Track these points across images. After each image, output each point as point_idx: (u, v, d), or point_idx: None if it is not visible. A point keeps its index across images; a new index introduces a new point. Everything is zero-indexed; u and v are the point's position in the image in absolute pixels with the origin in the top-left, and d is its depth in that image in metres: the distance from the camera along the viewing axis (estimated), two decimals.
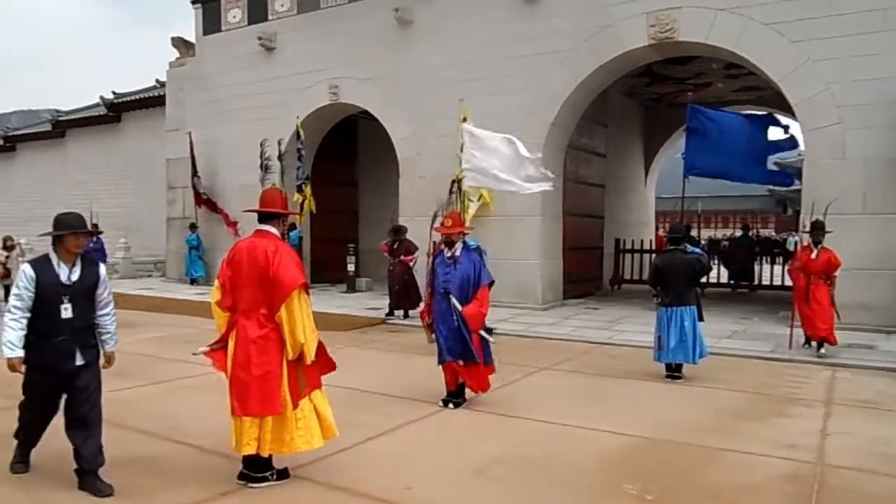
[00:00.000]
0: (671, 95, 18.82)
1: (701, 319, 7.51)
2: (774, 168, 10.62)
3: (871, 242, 10.25)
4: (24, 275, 4.03)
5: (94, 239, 16.68)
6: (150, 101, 22.31)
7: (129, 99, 23.48)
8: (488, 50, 13.57)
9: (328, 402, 4.36)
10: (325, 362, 4.43)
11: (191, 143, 17.99)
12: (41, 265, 4.09)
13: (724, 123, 10.00)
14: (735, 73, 15.75)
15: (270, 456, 4.25)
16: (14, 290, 4.02)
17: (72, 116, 25.81)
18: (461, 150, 10.39)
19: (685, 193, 10.09)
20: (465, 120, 10.69)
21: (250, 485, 4.22)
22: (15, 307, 4.02)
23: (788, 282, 14.63)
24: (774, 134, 10.44)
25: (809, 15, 10.77)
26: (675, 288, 7.40)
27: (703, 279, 14.80)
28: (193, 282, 18.19)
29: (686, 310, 7.34)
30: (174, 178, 19.32)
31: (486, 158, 10.61)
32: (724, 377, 7.55)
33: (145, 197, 22.22)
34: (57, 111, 26.69)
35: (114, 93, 24.02)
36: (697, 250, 8.02)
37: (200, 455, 4.83)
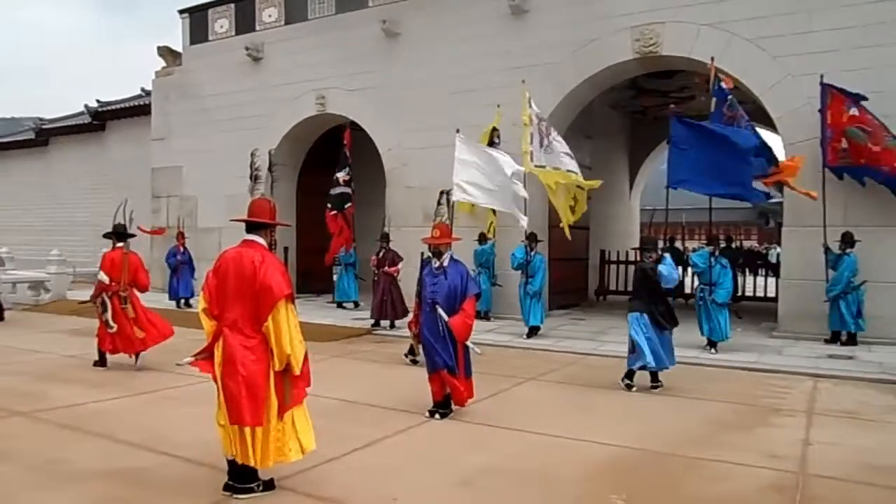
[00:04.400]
0: (656, 108, 18.99)
1: (670, 325, 7.49)
2: (761, 186, 10.44)
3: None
4: None
5: (182, 249, 15.56)
6: (135, 110, 22.17)
7: (113, 108, 23.31)
8: (475, 62, 13.66)
9: (308, 417, 4.35)
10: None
11: (348, 137, 14.93)
12: None
13: (709, 137, 9.97)
14: None
15: (256, 468, 4.23)
16: None
17: (56, 125, 25.60)
18: (530, 142, 10.53)
19: (669, 205, 10.12)
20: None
21: (236, 496, 4.19)
22: None
23: (771, 293, 14.80)
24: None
25: (791, 31, 10.95)
26: (637, 294, 7.54)
27: (687, 290, 14.80)
28: (341, 305, 15.04)
29: (642, 316, 7.40)
30: (159, 188, 19.21)
31: (477, 172, 10.70)
32: (709, 388, 7.60)
33: (129, 206, 22.00)
34: (41, 119, 26.46)
35: (98, 101, 23.84)
36: (668, 259, 7.86)
37: (187, 466, 4.80)
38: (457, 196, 10.59)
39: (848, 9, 10.56)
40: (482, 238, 13.16)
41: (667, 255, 7.77)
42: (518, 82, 12.86)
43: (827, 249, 10.26)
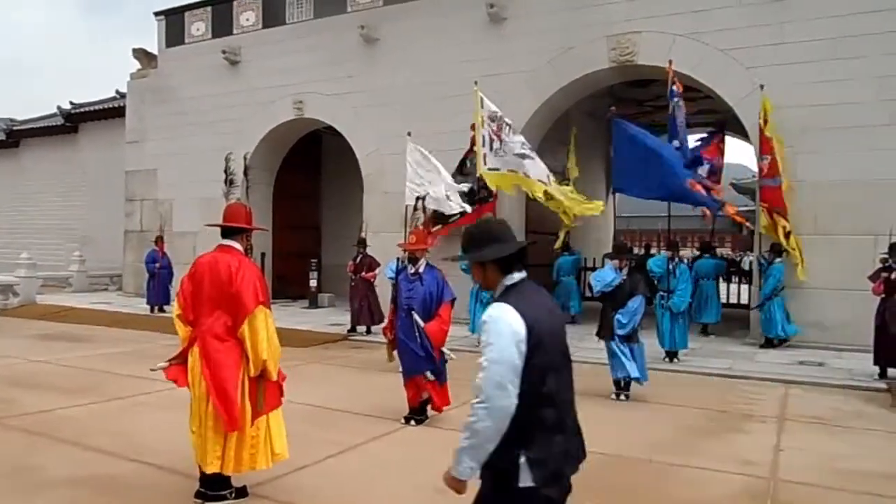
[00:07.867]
0: (632, 117, 19.17)
1: (601, 333, 7.49)
2: (703, 192, 10.24)
3: (821, 262, 10.56)
4: None
5: (161, 255, 15.23)
6: (109, 113, 21.91)
7: (87, 110, 23.00)
8: (453, 69, 13.69)
9: (283, 423, 4.31)
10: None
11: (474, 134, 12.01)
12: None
13: (651, 139, 9.84)
14: (693, 97, 16.07)
15: (229, 475, 4.18)
16: None
17: (27, 126, 25.19)
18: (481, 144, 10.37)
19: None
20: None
21: None
22: None
23: (745, 300, 14.98)
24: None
25: (763, 42, 11.14)
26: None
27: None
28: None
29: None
30: (133, 191, 18.97)
31: (429, 178, 10.75)
32: (682, 394, 7.67)
33: (101, 209, 21.75)
34: (11, 120, 26.00)
35: (71, 103, 23.52)
36: (608, 266, 7.76)
37: (158, 473, 4.73)
38: (408, 199, 10.66)
39: (819, 21, 10.77)
40: (566, 247, 12.78)
41: (610, 262, 7.58)
42: (499, 90, 12.93)
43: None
